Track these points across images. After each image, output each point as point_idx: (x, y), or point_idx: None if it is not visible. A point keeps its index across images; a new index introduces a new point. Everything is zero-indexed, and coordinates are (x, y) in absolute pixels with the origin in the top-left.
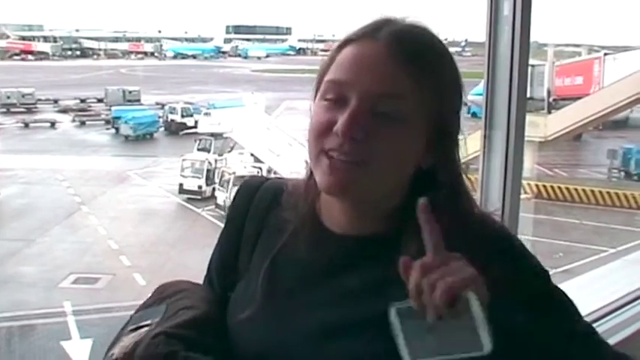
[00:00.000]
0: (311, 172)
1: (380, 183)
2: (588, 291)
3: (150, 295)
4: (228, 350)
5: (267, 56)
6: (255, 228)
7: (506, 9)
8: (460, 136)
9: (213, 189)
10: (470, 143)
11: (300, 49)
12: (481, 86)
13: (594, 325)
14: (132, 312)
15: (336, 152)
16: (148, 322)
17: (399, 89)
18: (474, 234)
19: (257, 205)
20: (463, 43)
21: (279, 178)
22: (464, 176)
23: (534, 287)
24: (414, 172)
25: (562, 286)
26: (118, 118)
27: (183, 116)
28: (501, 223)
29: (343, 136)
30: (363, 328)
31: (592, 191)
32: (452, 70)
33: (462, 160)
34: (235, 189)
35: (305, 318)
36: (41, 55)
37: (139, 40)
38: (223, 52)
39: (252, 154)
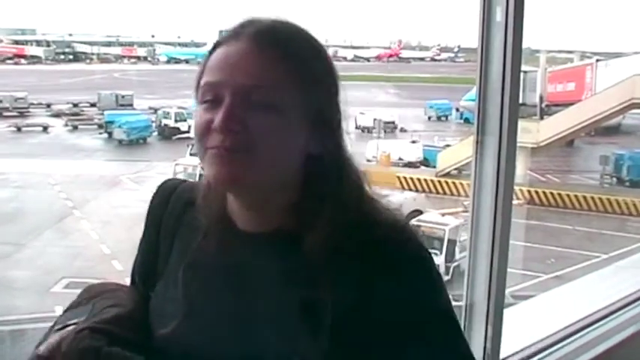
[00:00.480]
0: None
1: (266, 170)
2: (581, 296)
3: (77, 296)
4: (151, 347)
5: None
6: (172, 228)
7: (499, 15)
8: (344, 124)
9: None
10: (462, 149)
11: None
12: (474, 92)
13: (587, 330)
14: None
15: (218, 148)
16: (75, 321)
17: (266, 79)
18: (369, 231)
19: (173, 206)
20: (456, 49)
21: (197, 181)
22: (354, 165)
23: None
24: (305, 164)
25: (554, 292)
26: (111, 122)
27: (176, 121)
28: (413, 234)
29: (221, 131)
30: (277, 320)
31: (584, 197)
32: (320, 58)
33: (456, 166)
34: None
35: (223, 318)
36: (34, 59)
37: (132, 44)
38: None
39: None
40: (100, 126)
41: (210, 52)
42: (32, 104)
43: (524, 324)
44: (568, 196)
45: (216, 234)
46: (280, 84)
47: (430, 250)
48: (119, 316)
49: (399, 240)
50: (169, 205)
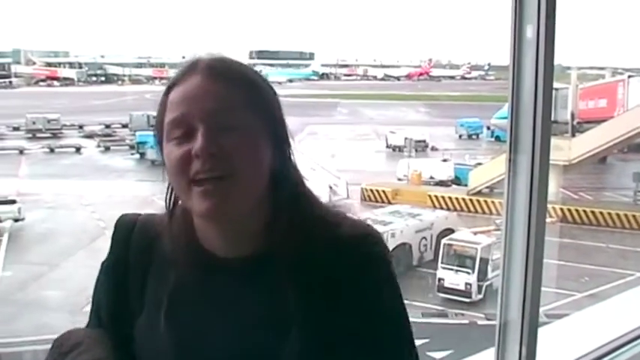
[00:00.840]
0: (173, 206)
1: (248, 193)
2: (615, 315)
3: (48, 351)
4: None
5: (291, 81)
6: (141, 265)
7: (530, 32)
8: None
9: None
10: (494, 167)
11: (323, 73)
12: (504, 110)
13: (623, 349)
14: None
15: (201, 173)
16: None
17: (230, 103)
18: (329, 236)
19: (137, 244)
20: (486, 67)
21: (152, 213)
22: (304, 180)
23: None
24: (271, 183)
25: (589, 311)
26: (143, 143)
27: None
28: (379, 238)
29: (202, 155)
30: (258, 333)
31: (617, 214)
32: (263, 82)
33: (487, 184)
34: None
35: (212, 345)
36: (66, 81)
37: (162, 65)
38: None
39: None
40: (132, 147)
41: (166, 94)
42: (65, 125)
43: (558, 343)
44: (601, 213)
45: (192, 264)
46: (238, 106)
47: (462, 269)
48: None
49: (360, 238)
50: (132, 243)
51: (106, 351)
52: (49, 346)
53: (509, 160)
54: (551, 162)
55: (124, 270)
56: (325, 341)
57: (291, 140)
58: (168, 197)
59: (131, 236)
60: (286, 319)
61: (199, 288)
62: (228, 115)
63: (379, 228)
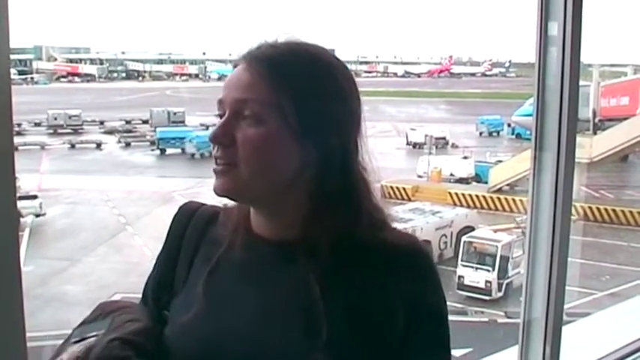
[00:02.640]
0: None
1: (253, 184)
2: (637, 315)
3: (91, 312)
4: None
5: None
6: (193, 247)
7: (555, 29)
8: (337, 140)
9: None
10: (515, 165)
11: None
12: (526, 107)
13: None
14: None
15: (215, 156)
16: (94, 333)
17: (255, 94)
18: (374, 235)
19: (194, 227)
20: (507, 64)
21: (215, 204)
22: (362, 174)
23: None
24: (308, 176)
25: (611, 310)
26: (163, 139)
27: None
28: (415, 238)
29: (212, 142)
30: (287, 319)
31: (639, 213)
32: (311, 77)
33: (508, 182)
34: None
35: (240, 315)
36: (87, 77)
37: (183, 62)
38: None
39: None
40: (152, 143)
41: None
42: (86, 121)
43: (581, 342)
44: (622, 212)
45: (240, 240)
46: (268, 99)
47: (482, 267)
48: (142, 329)
49: (404, 244)
50: (191, 223)
51: (146, 318)
52: None
53: (534, 157)
54: None
55: (178, 248)
56: (353, 338)
57: (335, 140)
58: None
59: (191, 219)
60: (312, 307)
61: (238, 262)
62: (251, 106)
63: (399, 225)
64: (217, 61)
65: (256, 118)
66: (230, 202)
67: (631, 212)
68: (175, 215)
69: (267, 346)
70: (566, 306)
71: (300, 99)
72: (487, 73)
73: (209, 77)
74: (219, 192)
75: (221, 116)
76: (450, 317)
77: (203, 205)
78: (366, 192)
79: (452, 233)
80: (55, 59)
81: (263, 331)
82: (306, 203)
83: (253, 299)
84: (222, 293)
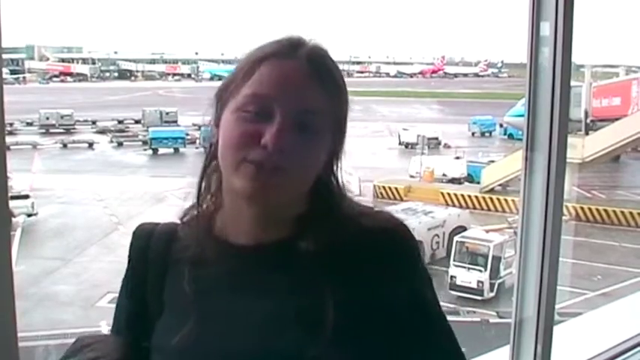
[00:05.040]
0: (198, 197)
1: (294, 188)
2: (628, 315)
3: (70, 345)
4: None
5: None
6: (160, 268)
7: (547, 29)
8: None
9: None
10: (507, 165)
11: None
12: (518, 107)
13: (637, 349)
14: None
15: (261, 159)
16: None
17: (317, 105)
18: (362, 229)
19: (155, 249)
20: (499, 65)
21: (169, 222)
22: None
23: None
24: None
25: (603, 310)
26: (156, 139)
27: None
28: (404, 226)
29: (274, 149)
30: (287, 322)
31: (631, 213)
32: (346, 89)
33: (500, 182)
34: None
35: (236, 327)
36: (80, 77)
37: (175, 61)
38: None
39: None
40: (145, 142)
41: (258, 63)
42: (78, 121)
43: (572, 342)
44: (614, 212)
45: (208, 252)
46: (325, 110)
47: (474, 267)
48: None
49: (393, 230)
50: (151, 246)
51: (116, 352)
52: (61, 340)
53: (526, 158)
54: None
55: (144, 274)
56: (355, 327)
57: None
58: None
59: (149, 243)
60: (313, 303)
61: (218, 276)
62: (311, 117)
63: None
64: (210, 60)
65: (316, 129)
66: (186, 216)
67: (622, 212)
68: (132, 240)
69: (270, 352)
70: (557, 306)
71: (342, 115)
72: (480, 73)
73: (201, 77)
74: (260, 195)
75: (259, 113)
76: None
77: (157, 224)
78: (344, 187)
79: (444, 233)
80: (48, 59)
81: (264, 339)
82: (304, 203)
83: (245, 309)
84: (211, 308)
